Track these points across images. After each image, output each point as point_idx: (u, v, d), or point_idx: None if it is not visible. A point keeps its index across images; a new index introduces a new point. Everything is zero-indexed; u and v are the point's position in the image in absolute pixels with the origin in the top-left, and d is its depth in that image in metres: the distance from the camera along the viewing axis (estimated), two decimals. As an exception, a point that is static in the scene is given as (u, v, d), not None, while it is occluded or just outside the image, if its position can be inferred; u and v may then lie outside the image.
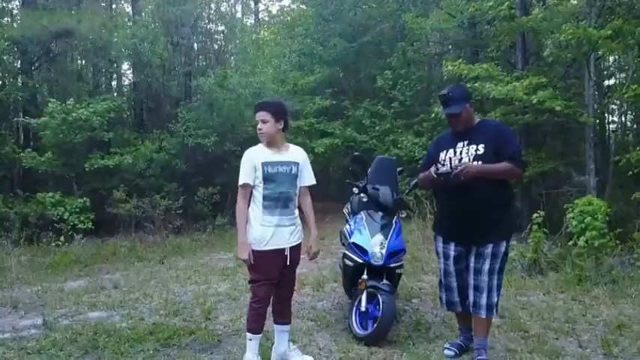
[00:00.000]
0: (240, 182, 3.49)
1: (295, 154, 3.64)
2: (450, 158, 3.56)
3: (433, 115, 11.25)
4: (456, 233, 3.66)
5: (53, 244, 8.43)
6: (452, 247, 3.69)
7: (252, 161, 3.48)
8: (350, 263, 4.35)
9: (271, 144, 3.54)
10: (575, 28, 9.00)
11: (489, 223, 3.49)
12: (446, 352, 3.83)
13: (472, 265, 3.58)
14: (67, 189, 10.54)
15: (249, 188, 3.49)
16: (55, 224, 9.15)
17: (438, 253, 3.86)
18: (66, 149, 10.82)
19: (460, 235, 3.64)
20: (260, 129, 3.49)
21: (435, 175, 3.48)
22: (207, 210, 11.45)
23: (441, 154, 3.65)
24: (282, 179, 3.49)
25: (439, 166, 3.52)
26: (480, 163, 3.45)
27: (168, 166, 11.83)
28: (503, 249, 3.56)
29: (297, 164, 3.58)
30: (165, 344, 4.09)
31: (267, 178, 3.46)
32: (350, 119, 15.44)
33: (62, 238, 8.54)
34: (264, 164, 3.46)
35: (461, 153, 3.55)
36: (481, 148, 3.49)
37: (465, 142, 3.57)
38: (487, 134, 3.55)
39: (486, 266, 3.52)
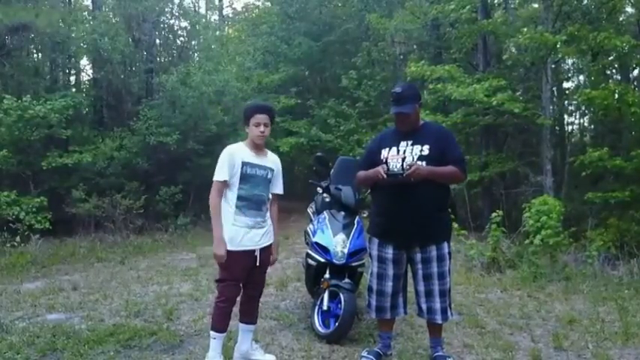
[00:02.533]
0: (218, 178, 3.44)
1: (272, 160, 3.64)
2: (403, 159, 3.43)
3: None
4: (396, 235, 3.54)
5: (8, 245, 8.17)
6: (390, 250, 3.58)
7: (233, 158, 3.45)
8: (312, 262, 4.38)
9: (258, 147, 3.55)
10: (533, 33, 9.29)
11: (430, 224, 3.45)
12: None
13: (421, 271, 3.53)
14: (24, 188, 10.20)
15: (224, 185, 3.45)
16: (11, 224, 8.86)
17: (371, 257, 3.73)
18: (22, 147, 10.48)
19: (400, 238, 3.54)
20: (263, 132, 3.48)
21: (384, 175, 3.36)
22: (169, 210, 11.29)
23: (383, 151, 3.56)
24: (257, 182, 3.49)
25: (391, 166, 3.41)
26: (424, 163, 3.38)
27: (129, 165, 11.59)
28: (446, 250, 3.54)
29: (272, 170, 3.59)
30: (126, 345, 4.03)
31: (243, 178, 3.45)
32: (315, 118, 15.48)
33: (18, 239, 8.27)
34: (244, 164, 3.45)
35: (404, 152, 3.48)
36: (426, 149, 3.44)
37: (410, 142, 3.50)
38: (432, 136, 3.51)
39: (435, 270, 3.49)
